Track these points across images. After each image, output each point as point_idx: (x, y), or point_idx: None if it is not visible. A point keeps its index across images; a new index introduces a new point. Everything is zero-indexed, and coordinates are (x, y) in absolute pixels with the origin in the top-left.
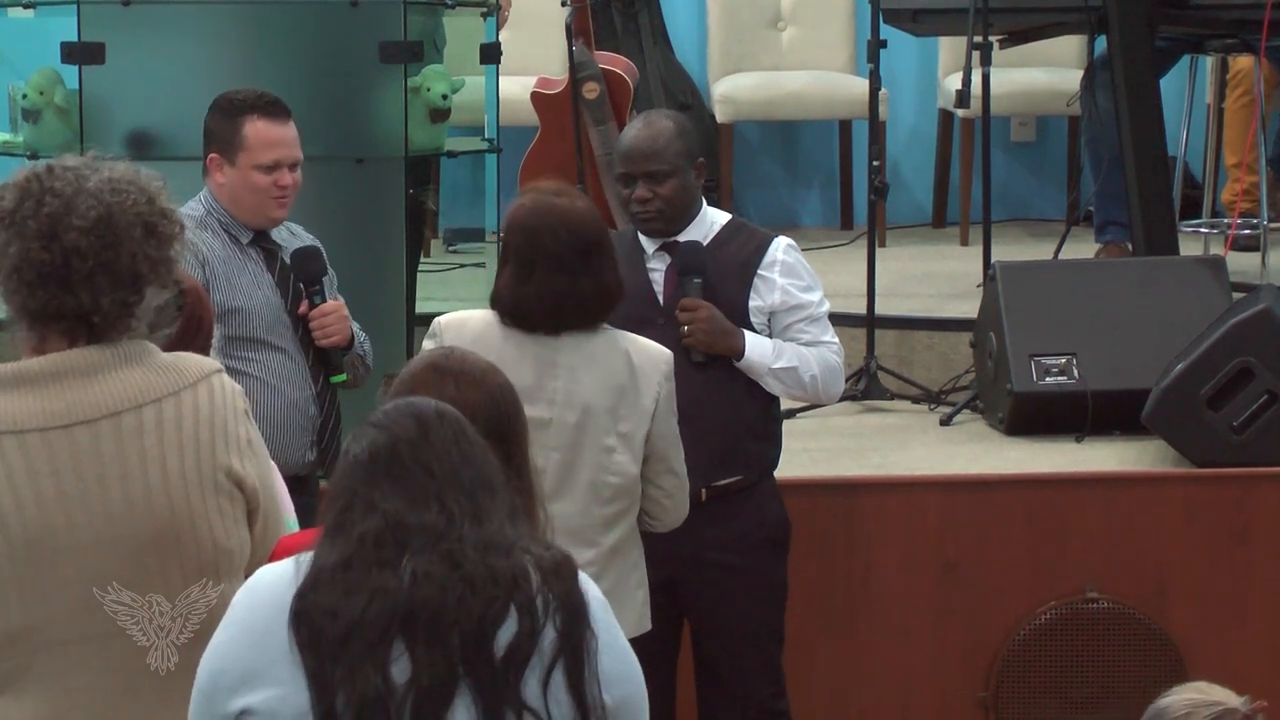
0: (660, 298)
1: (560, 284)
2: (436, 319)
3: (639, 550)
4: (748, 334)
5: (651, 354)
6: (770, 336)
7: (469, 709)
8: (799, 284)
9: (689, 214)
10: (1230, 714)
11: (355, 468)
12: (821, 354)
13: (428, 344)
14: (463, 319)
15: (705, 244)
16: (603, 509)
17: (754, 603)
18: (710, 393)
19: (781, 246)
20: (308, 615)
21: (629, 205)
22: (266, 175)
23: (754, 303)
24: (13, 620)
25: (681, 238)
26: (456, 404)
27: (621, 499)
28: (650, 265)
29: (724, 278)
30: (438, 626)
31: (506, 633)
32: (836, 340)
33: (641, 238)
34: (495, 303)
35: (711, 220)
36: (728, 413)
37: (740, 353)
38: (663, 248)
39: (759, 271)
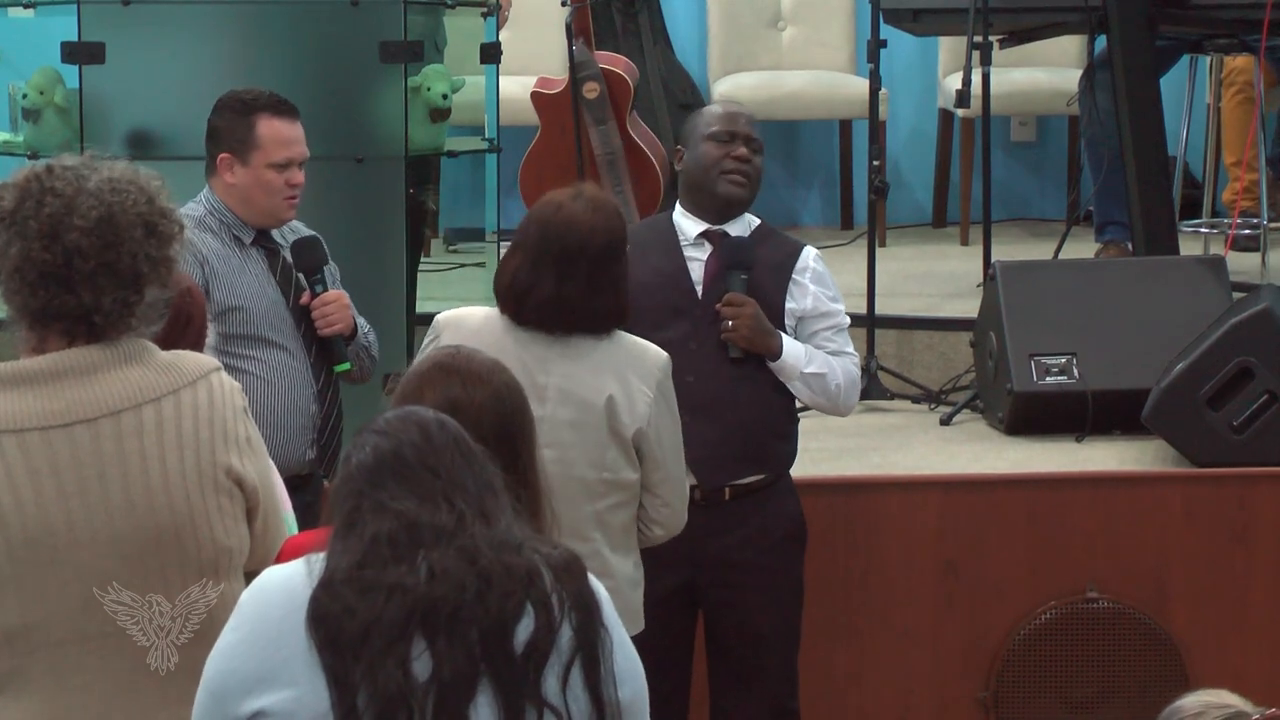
0: (699, 288)
1: (571, 290)
2: (436, 316)
3: (636, 550)
4: (784, 336)
5: (646, 357)
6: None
7: (491, 704)
8: (828, 293)
9: (752, 202)
10: (1242, 717)
11: (360, 470)
12: (845, 364)
13: (428, 341)
14: (461, 315)
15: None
16: (594, 505)
17: (772, 602)
18: (740, 390)
19: (812, 255)
20: (325, 615)
21: (719, 164)
22: (279, 173)
23: (789, 305)
24: (12, 620)
25: (727, 230)
26: (463, 402)
27: (614, 495)
28: (688, 253)
29: (763, 277)
30: (457, 622)
31: (524, 629)
32: (856, 354)
33: (681, 222)
34: (502, 293)
35: (749, 220)
36: (756, 411)
37: (777, 353)
38: (704, 235)
39: (793, 276)
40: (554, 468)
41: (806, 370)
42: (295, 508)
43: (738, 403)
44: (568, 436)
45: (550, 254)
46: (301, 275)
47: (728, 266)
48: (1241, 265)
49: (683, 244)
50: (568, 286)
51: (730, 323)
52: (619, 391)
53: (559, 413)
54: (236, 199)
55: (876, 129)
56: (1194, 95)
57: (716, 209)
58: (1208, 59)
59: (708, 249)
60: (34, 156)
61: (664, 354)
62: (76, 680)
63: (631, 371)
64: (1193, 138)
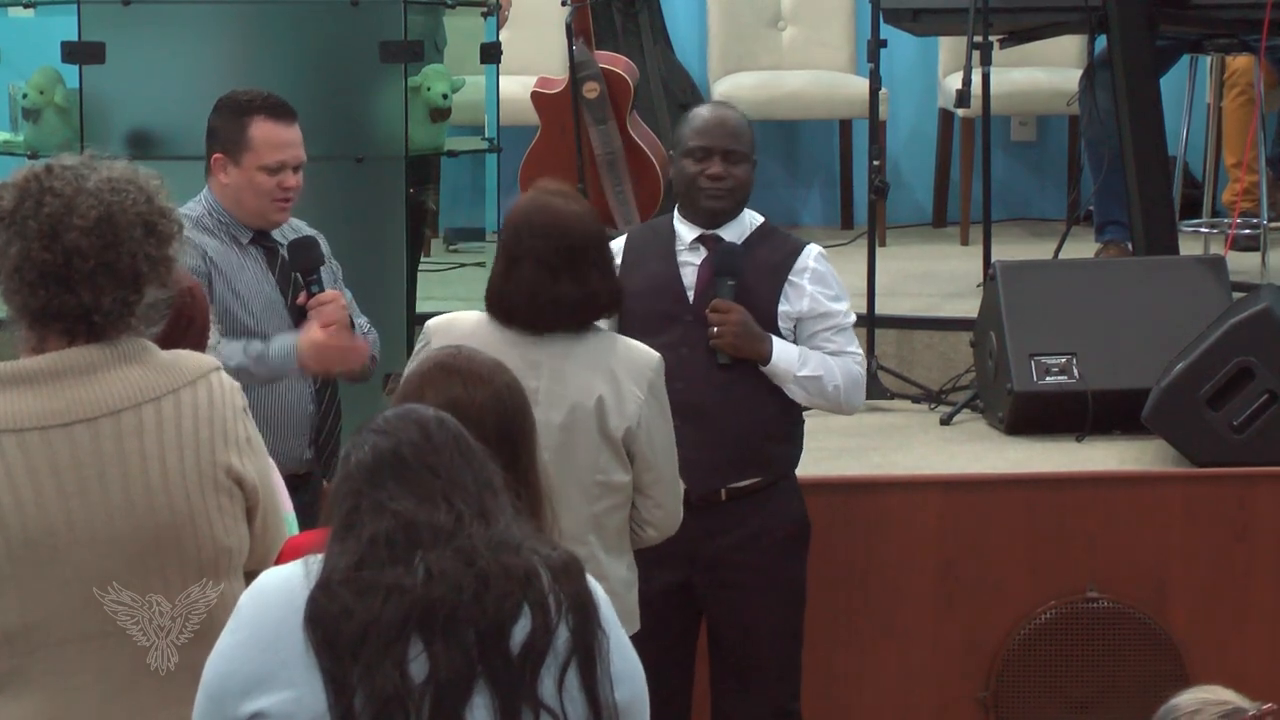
0: (690, 294)
1: (542, 284)
2: (427, 322)
3: (629, 551)
4: (775, 340)
5: (637, 357)
6: (795, 343)
7: (487, 705)
8: (828, 293)
9: (742, 207)
10: (1238, 713)
11: (359, 470)
12: (845, 364)
13: (419, 348)
14: (451, 320)
15: (740, 243)
16: (591, 508)
17: (772, 602)
18: (733, 395)
19: (813, 254)
20: (323, 616)
21: (696, 181)
22: (271, 177)
23: (783, 308)
24: (12, 619)
25: (722, 233)
26: (463, 402)
27: (609, 497)
28: (682, 258)
29: (756, 281)
30: (454, 623)
31: (521, 630)
32: (860, 351)
33: (678, 227)
34: (491, 299)
35: (749, 220)
36: (749, 416)
37: (767, 358)
38: (700, 239)
39: (789, 278)
40: (550, 469)
41: (800, 374)
42: (294, 507)
43: (729, 408)
44: (561, 439)
45: (527, 249)
46: (298, 275)
47: (716, 272)
48: (1241, 265)
49: (678, 249)
50: (558, 279)
51: (716, 329)
52: (609, 392)
53: (551, 416)
54: (230, 199)
55: (876, 129)
56: (1194, 95)
57: (704, 218)
58: (1208, 59)
59: (703, 254)
60: (34, 156)
61: (656, 355)
62: (76, 680)
63: (622, 372)
64: (1193, 138)
